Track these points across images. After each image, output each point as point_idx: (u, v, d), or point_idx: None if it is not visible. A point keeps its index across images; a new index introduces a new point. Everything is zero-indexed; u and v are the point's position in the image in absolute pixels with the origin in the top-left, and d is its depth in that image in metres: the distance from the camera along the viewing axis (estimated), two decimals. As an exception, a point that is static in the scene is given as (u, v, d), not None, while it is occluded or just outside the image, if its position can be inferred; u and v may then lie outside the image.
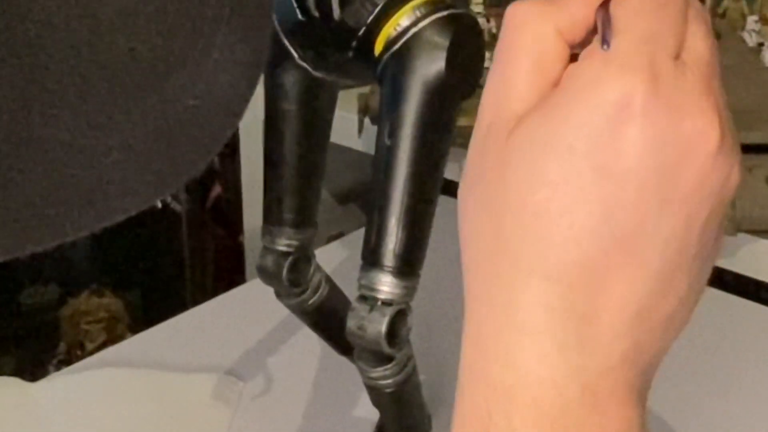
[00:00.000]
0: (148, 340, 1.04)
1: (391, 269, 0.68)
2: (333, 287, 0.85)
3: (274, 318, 1.01)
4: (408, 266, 0.68)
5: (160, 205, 0.85)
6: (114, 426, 0.90)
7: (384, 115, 0.69)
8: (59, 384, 0.95)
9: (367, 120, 1.29)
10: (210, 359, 0.99)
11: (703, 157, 0.42)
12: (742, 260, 1.13)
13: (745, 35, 1.33)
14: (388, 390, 0.73)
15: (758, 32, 1.32)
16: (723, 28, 1.35)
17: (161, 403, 0.93)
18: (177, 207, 0.84)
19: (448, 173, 0.71)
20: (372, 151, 0.70)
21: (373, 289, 0.68)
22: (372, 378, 0.72)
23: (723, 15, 1.45)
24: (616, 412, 0.41)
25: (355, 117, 1.30)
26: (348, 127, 1.29)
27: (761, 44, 1.31)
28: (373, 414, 0.78)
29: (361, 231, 0.70)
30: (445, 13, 0.68)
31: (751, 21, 1.34)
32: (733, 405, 0.93)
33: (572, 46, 0.43)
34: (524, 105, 0.42)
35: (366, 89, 1.30)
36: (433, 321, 1.02)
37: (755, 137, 1.09)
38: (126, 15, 0.34)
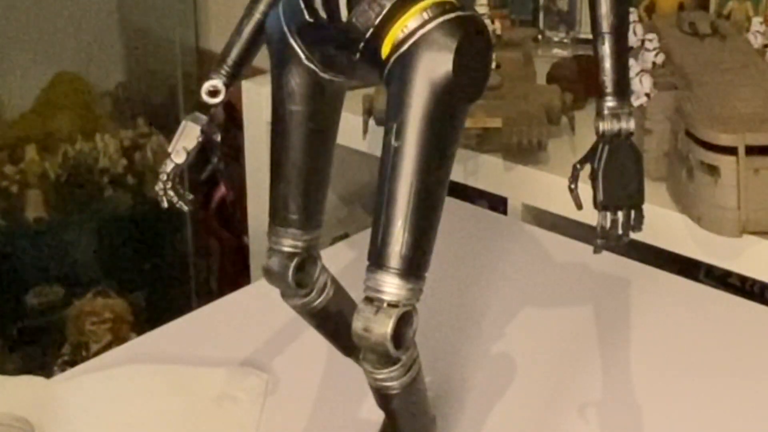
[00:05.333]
0: (153, 341, 1.04)
1: (397, 271, 0.68)
2: (338, 288, 0.85)
3: (279, 319, 1.01)
4: (414, 268, 0.68)
5: (165, 205, 0.85)
6: (142, 421, 0.90)
7: (391, 116, 0.69)
8: (86, 382, 0.95)
9: (371, 121, 1.29)
10: (215, 360, 0.99)
11: None
12: (747, 262, 1.12)
13: (750, 37, 1.33)
14: (394, 391, 0.73)
15: (763, 34, 1.32)
16: (728, 30, 1.35)
17: (189, 396, 0.93)
18: (183, 208, 0.84)
19: (454, 175, 0.72)
20: (376, 153, 0.70)
21: (378, 291, 0.68)
22: (377, 379, 0.72)
23: (728, 16, 1.45)
24: None
25: (359, 118, 1.30)
26: (353, 129, 1.29)
27: (766, 46, 1.31)
28: (377, 415, 0.78)
29: (367, 232, 0.70)
30: (452, 15, 0.68)
31: (756, 22, 1.33)
32: (737, 406, 0.93)
33: None
34: None
35: (370, 90, 1.30)
36: (439, 322, 1.02)
37: (761, 139, 1.09)
38: None
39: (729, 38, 1.32)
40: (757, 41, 1.32)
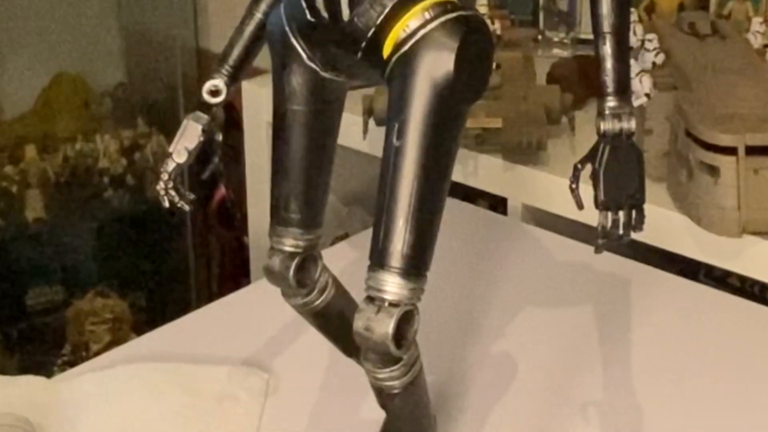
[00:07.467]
0: (153, 342, 1.04)
1: (398, 270, 0.68)
2: (339, 288, 0.85)
3: (279, 319, 1.01)
4: (415, 267, 0.68)
5: (166, 205, 0.85)
6: (143, 421, 0.90)
7: (392, 116, 0.69)
8: (87, 381, 0.95)
9: (371, 121, 1.29)
10: (215, 360, 0.99)
11: None
12: (747, 262, 1.13)
13: (750, 37, 1.33)
14: (395, 391, 0.73)
15: (763, 34, 1.32)
16: (728, 30, 1.35)
17: (190, 395, 0.93)
18: (184, 207, 0.84)
19: (454, 175, 0.72)
20: (376, 153, 0.70)
21: (380, 290, 0.68)
22: (379, 379, 0.72)
23: (728, 16, 1.46)
24: None
25: (359, 118, 1.30)
26: (353, 129, 1.29)
27: (766, 46, 1.31)
28: (378, 415, 0.78)
29: (367, 232, 0.70)
30: (454, 14, 0.68)
31: (756, 22, 1.34)
32: (737, 406, 0.93)
33: None
34: None
35: (371, 91, 1.30)
36: (439, 322, 1.02)
37: (761, 139, 1.09)
38: None
39: (729, 38, 1.33)
40: (757, 41, 1.32)
